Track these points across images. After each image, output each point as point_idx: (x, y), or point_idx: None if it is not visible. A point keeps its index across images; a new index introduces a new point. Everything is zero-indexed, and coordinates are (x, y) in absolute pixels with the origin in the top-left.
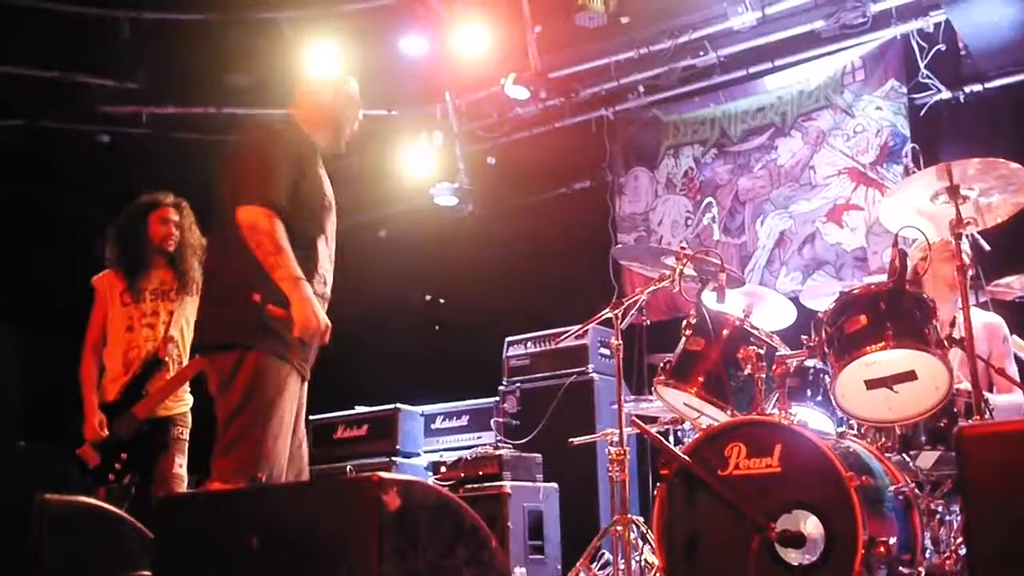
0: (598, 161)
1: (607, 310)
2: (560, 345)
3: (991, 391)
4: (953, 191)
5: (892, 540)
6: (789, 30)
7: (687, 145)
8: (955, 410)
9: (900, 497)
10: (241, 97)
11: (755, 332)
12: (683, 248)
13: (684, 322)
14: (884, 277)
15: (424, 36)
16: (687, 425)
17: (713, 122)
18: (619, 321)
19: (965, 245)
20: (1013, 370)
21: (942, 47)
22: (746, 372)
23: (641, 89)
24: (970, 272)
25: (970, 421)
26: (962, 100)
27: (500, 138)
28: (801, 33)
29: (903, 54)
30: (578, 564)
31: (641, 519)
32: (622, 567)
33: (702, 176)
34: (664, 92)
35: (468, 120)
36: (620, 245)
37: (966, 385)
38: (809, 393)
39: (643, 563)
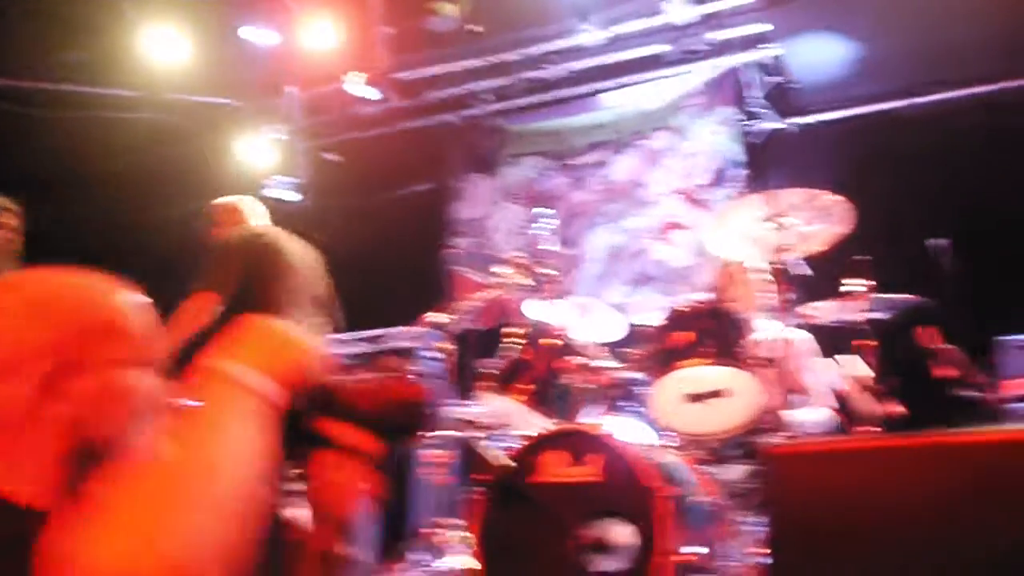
0: (439, 165)
1: (436, 313)
2: (386, 346)
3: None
4: (776, 218)
5: (699, 550)
6: (634, 50)
7: (527, 155)
8: (765, 426)
9: (709, 508)
10: (75, 74)
11: (580, 343)
12: (516, 256)
13: (511, 330)
14: (707, 295)
15: (271, 27)
16: (510, 432)
17: (554, 134)
18: (448, 325)
19: (781, 268)
20: (812, 383)
21: (778, 79)
22: (569, 382)
23: (487, 97)
24: (787, 295)
25: (776, 438)
26: (793, 131)
27: (343, 135)
28: (645, 55)
29: (740, 83)
30: (391, 565)
31: (459, 523)
32: (438, 570)
33: (540, 187)
34: (509, 101)
35: (311, 115)
36: (454, 250)
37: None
38: (630, 404)
39: (459, 568)
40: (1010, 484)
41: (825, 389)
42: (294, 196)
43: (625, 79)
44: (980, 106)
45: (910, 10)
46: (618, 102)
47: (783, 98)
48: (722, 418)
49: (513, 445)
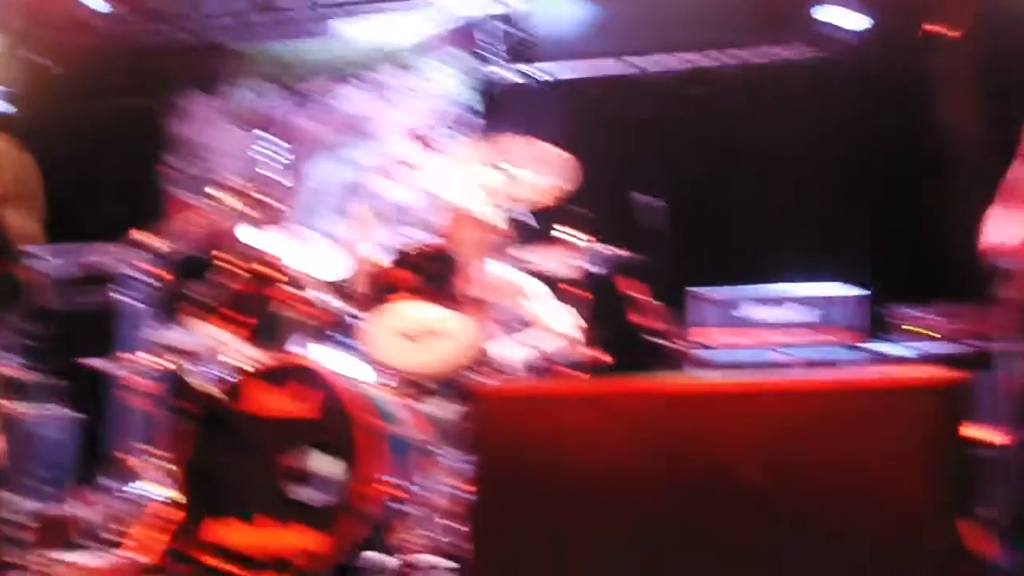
0: (162, 80)
1: (146, 233)
2: (87, 260)
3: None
4: (504, 167)
5: (405, 484)
6: None
7: (252, 78)
8: (479, 366)
9: (419, 445)
10: None
11: (298, 275)
12: (236, 181)
13: (225, 256)
14: (430, 236)
15: None
16: (218, 361)
17: (281, 59)
18: (158, 246)
19: (505, 216)
20: (533, 317)
21: (516, 30)
22: (284, 314)
23: (215, 13)
24: (510, 242)
25: (490, 378)
26: (527, 83)
27: (63, 43)
28: None
29: (480, 30)
30: (83, 490)
31: (159, 451)
32: (132, 497)
33: (265, 112)
34: (238, 18)
35: (31, 21)
36: (171, 170)
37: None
38: (346, 339)
39: (155, 496)
40: (686, 431)
41: (545, 333)
42: (7, 106)
43: (361, 10)
44: (701, 76)
45: None
46: (353, 34)
47: (520, 50)
48: (437, 357)
49: (221, 375)
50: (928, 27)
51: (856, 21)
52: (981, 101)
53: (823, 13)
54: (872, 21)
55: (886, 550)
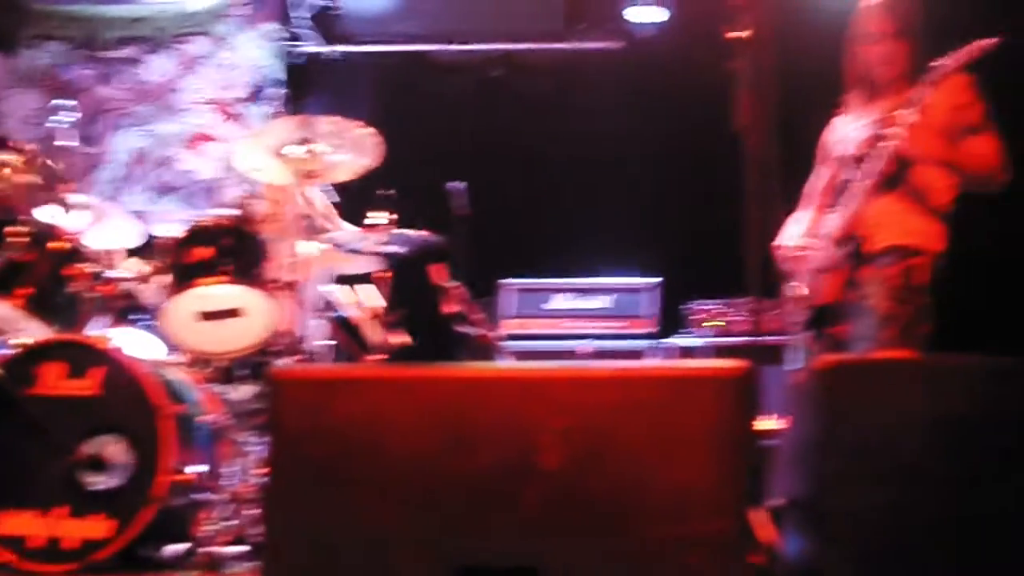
0: None
1: None
2: None
3: None
4: (308, 143)
5: (198, 468)
6: None
7: (52, 40)
8: (278, 348)
9: (212, 427)
10: None
11: (93, 249)
12: (28, 148)
13: (13, 228)
14: (231, 212)
15: None
16: (2, 339)
17: (84, 21)
18: None
19: (311, 194)
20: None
21: (326, 2)
22: (76, 290)
23: None
24: (309, 219)
25: (288, 360)
26: (334, 57)
27: None
28: None
29: (287, 1)
30: None
31: None
32: None
33: (62, 76)
34: None
35: None
36: None
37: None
38: (142, 318)
39: None
40: (485, 417)
41: (334, 314)
42: None
43: None
44: (504, 62)
45: None
46: None
47: (328, 23)
48: (234, 337)
49: (6, 353)
50: (726, 29)
51: (657, 14)
52: (774, 103)
53: (628, 6)
54: (671, 14)
55: (676, 536)
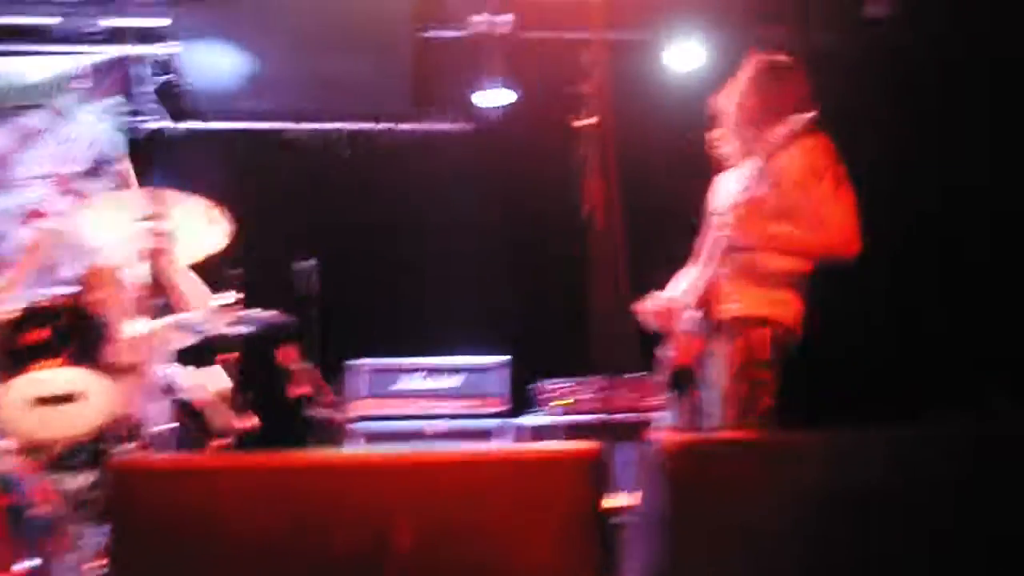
0: None
1: None
2: None
3: None
4: (154, 221)
5: (33, 563)
6: (19, 17)
7: None
8: (118, 433)
9: (47, 519)
10: None
11: None
12: None
13: None
14: (69, 291)
15: None
16: None
17: None
18: None
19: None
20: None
21: (171, 77)
22: None
23: None
24: (156, 300)
25: (129, 446)
26: (180, 133)
27: None
28: (31, 23)
29: (133, 74)
30: None
31: None
32: None
33: None
34: None
35: None
36: None
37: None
38: None
39: None
40: (336, 502)
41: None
42: None
43: (4, 46)
44: (352, 142)
45: (304, 38)
46: None
47: (173, 98)
48: (71, 423)
49: None
50: (572, 116)
51: (504, 97)
52: (619, 187)
53: (475, 89)
54: (519, 99)
55: None
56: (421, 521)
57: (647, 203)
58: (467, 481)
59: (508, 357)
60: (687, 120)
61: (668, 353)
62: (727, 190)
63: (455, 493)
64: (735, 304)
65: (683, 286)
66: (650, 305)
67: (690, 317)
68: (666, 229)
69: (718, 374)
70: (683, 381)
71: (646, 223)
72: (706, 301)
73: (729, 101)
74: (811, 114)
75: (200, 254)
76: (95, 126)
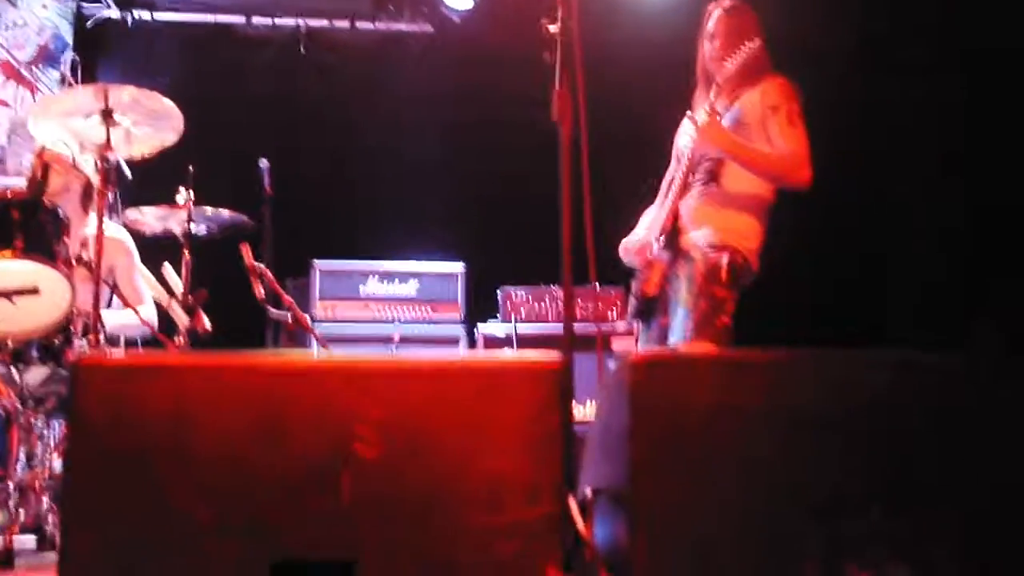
0: None
1: None
2: None
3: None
4: (106, 114)
5: None
6: None
7: None
8: (71, 328)
9: (2, 412)
10: None
11: None
12: None
13: None
14: (21, 182)
15: None
16: None
17: None
18: None
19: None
20: (141, 285)
21: None
22: None
23: None
24: (109, 195)
25: (84, 341)
26: (129, 23)
27: None
28: None
29: None
30: None
31: None
32: None
33: None
34: None
35: None
36: None
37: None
38: None
39: None
40: (301, 406)
41: (145, 294)
42: None
43: None
44: (310, 38)
45: None
46: None
47: None
48: (27, 318)
49: None
50: (541, 22)
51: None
52: (586, 95)
53: None
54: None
55: (493, 525)
56: (384, 428)
57: (613, 118)
58: (432, 389)
59: (463, 264)
60: (659, 32)
61: (636, 284)
62: (689, 130)
63: (419, 401)
64: (699, 231)
65: (647, 222)
66: (628, 246)
67: (655, 247)
68: (631, 146)
69: (681, 295)
70: (649, 310)
71: (610, 141)
72: (670, 230)
73: (698, 54)
74: (757, 43)
75: (150, 150)
76: (42, 12)
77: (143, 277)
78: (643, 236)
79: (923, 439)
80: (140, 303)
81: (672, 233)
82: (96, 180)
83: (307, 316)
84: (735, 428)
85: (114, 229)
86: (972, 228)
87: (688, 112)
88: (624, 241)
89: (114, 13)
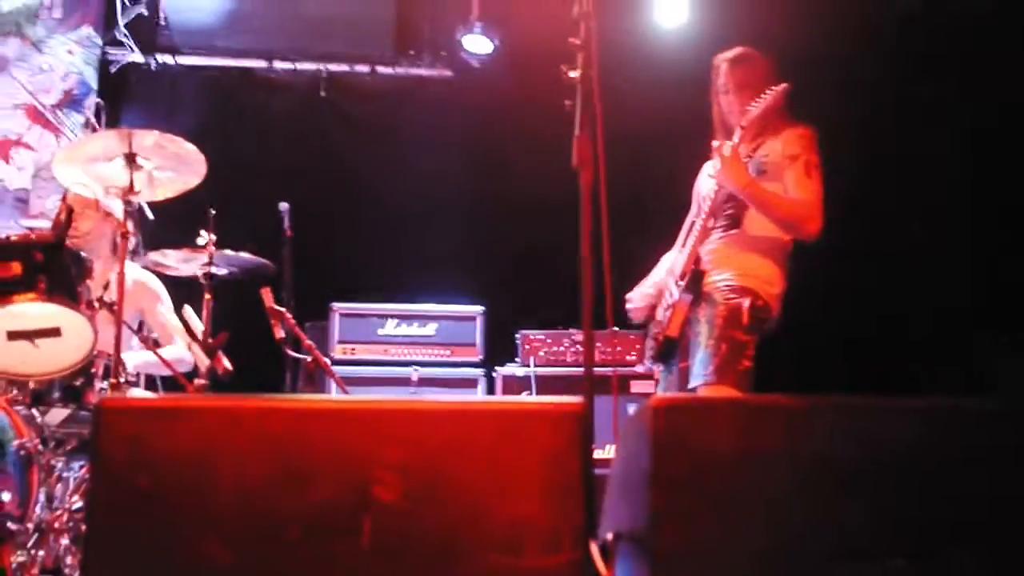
0: None
1: None
2: None
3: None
4: (129, 158)
5: (7, 495)
6: None
7: None
8: (93, 371)
9: (22, 452)
10: None
11: None
12: None
13: None
14: (45, 224)
15: None
16: None
17: None
18: None
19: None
20: (170, 326)
21: (144, 11)
22: None
23: None
24: (133, 238)
25: (106, 383)
26: (153, 68)
27: None
28: None
29: (105, 5)
30: None
31: None
32: None
33: None
34: None
35: None
36: None
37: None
38: None
39: None
40: (321, 449)
41: (171, 336)
42: None
43: None
44: (332, 83)
45: None
46: None
47: (149, 33)
48: (48, 360)
49: None
50: (563, 68)
51: (483, 45)
52: (601, 138)
53: (459, 35)
54: (505, 45)
55: (513, 569)
56: (405, 472)
57: (632, 165)
58: (452, 432)
59: (481, 307)
60: (675, 80)
61: (654, 329)
62: (709, 176)
63: (440, 444)
64: (721, 275)
65: (667, 266)
66: (635, 298)
67: (676, 290)
68: (647, 193)
69: (702, 339)
70: (670, 352)
71: (628, 187)
72: (691, 273)
73: (713, 109)
74: (783, 86)
75: (174, 194)
76: (68, 57)
77: (165, 317)
78: (656, 284)
79: (947, 486)
80: (170, 343)
81: (693, 276)
82: (119, 221)
83: (326, 358)
84: (756, 473)
85: (139, 271)
86: (993, 271)
87: (714, 142)
88: (628, 296)
89: (138, 57)
